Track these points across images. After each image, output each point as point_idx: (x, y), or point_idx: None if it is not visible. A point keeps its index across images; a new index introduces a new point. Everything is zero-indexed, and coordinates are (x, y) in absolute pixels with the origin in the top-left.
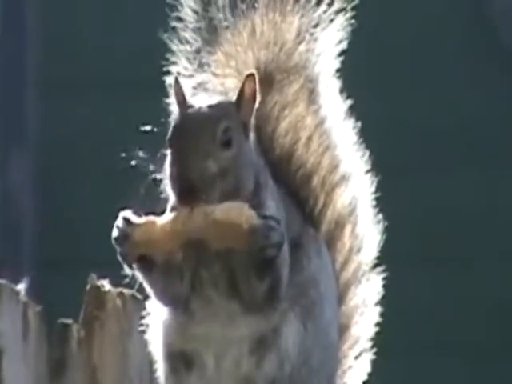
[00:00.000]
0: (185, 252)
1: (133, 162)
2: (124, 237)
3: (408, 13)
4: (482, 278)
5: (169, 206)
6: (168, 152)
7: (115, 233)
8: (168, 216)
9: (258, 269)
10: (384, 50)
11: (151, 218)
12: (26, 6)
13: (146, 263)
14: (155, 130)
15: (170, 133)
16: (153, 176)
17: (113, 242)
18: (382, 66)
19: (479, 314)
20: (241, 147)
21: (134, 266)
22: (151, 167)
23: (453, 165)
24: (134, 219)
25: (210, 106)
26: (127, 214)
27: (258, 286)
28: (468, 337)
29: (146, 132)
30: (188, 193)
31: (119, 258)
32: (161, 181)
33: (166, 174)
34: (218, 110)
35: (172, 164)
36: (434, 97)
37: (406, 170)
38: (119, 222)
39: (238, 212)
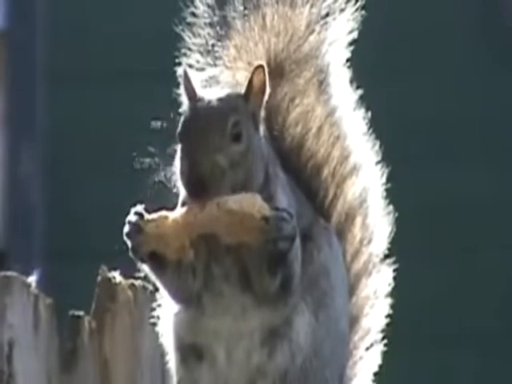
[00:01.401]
0: (196, 247)
1: (143, 156)
2: (136, 231)
3: (418, 2)
4: (492, 268)
5: (180, 201)
6: (178, 147)
7: (127, 228)
8: (180, 210)
9: (271, 263)
10: (394, 40)
11: (163, 212)
12: (34, 6)
13: (157, 262)
14: (165, 125)
15: (179, 127)
16: (163, 170)
17: (124, 236)
18: (393, 56)
19: (490, 303)
20: (251, 140)
21: (146, 262)
22: (161, 163)
23: (462, 155)
24: (146, 214)
25: (219, 99)
26: (139, 208)
27: (271, 281)
28: (479, 327)
29: (155, 129)
30: (199, 188)
31: (130, 253)
32: (171, 175)
33: (176, 169)
34: (227, 103)
35: (182, 159)
36: (445, 86)
37: (414, 160)
38: (131, 216)
39: (251, 202)
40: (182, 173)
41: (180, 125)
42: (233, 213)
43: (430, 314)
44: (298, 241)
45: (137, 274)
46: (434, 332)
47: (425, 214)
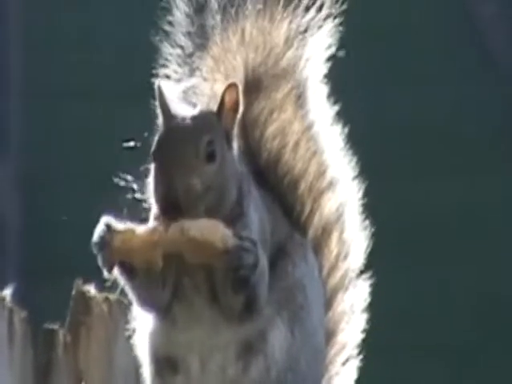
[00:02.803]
0: (166, 261)
1: (119, 172)
2: (103, 243)
3: (396, 18)
4: (468, 281)
5: (152, 214)
6: (152, 165)
7: (95, 238)
8: (147, 226)
9: (233, 286)
10: (372, 54)
11: (132, 226)
12: (9, 16)
13: (127, 269)
14: (138, 145)
15: (153, 146)
16: (138, 187)
17: (92, 247)
18: (371, 70)
19: (465, 316)
20: (224, 158)
21: (115, 270)
22: (137, 179)
23: (438, 168)
24: (115, 226)
25: (192, 118)
26: (108, 219)
27: (235, 301)
28: (454, 339)
29: (130, 148)
30: (172, 208)
31: (98, 263)
32: (145, 191)
33: (150, 186)
34: (200, 121)
35: (156, 178)
36: (421, 101)
37: (390, 174)
38: (100, 227)
39: (214, 231)
40: (155, 192)
41: (154, 143)
42: (195, 241)
43: (405, 328)
44: (264, 264)
45: (111, 288)
46: (409, 345)
47: (401, 229)
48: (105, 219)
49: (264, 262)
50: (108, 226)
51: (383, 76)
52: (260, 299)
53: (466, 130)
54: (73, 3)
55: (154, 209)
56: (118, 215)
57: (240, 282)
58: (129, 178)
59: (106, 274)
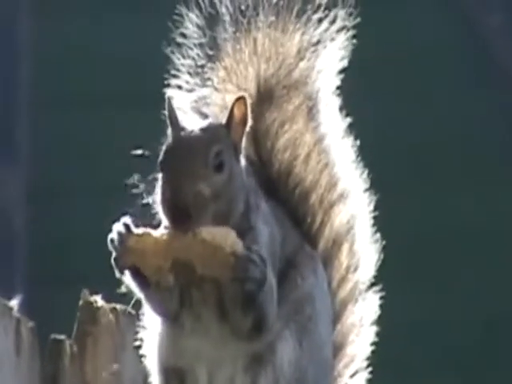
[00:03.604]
0: (176, 270)
1: (126, 182)
2: (120, 241)
3: (408, 31)
4: (477, 295)
5: (162, 226)
6: (159, 175)
7: (112, 235)
8: (163, 231)
9: (242, 303)
10: (384, 68)
11: (149, 230)
12: (16, 24)
13: (140, 277)
14: (147, 154)
15: (161, 156)
16: (146, 196)
17: (108, 244)
18: (382, 84)
19: (474, 330)
20: (232, 170)
21: (127, 276)
22: (144, 188)
23: (448, 182)
24: (133, 227)
25: (201, 129)
26: (128, 220)
27: (242, 319)
28: (462, 354)
29: (139, 155)
30: (181, 217)
31: (112, 262)
32: (153, 202)
33: (157, 198)
34: (209, 133)
35: (164, 188)
36: (431, 115)
37: (402, 187)
38: (119, 225)
39: (224, 236)
40: (163, 202)
41: (162, 153)
42: (205, 243)
43: (414, 341)
44: (272, 283)
45: (119, 299)
46: (418, 359)
47: (411, 242)
48: (124, 219)
49: (272, 281)
50: (126, 225)
51: (393, 91)
52: (268, 319)
53: (475, 145)
54: (84, 14)
55: (163, 222)
56: (134, 219)
57: (247, 299)
58: (139, 187)
59: (117, 273)
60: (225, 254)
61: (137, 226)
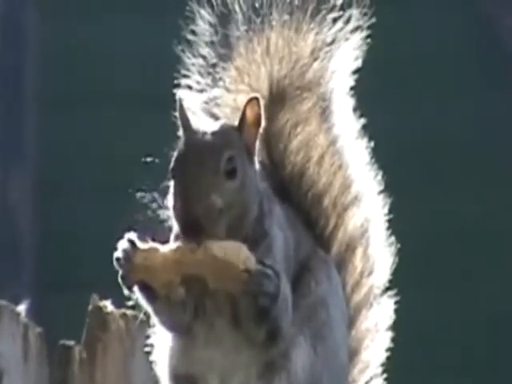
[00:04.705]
0: (187, 282)
1: (135, 184)
2: (126, 259)
3: (422, 31)
4: (494, 298)
5: (173, 234)
6: (171, 182)
7: (118, 253)
8: (171, 246)
9: (255, 316)
10: (399, 69)
11: (155, 244)
12: (24, 23)
13: (148, 290)
14: (157, 160)
15: (172, 163)
16: (155, 200)
17: (114, 262)
18: (397, 84)
19: (490, 333)
20: (245, 175)
21: (135, 290)
22: (154, 192)
23: (465, 184)
24: (139, 243)
25: (212, 133)
26: (132, 236)
27: (256, 331)
28: (480, 359)
29: (149, 162)
30: (193, 228)
31: (119, 279)
32: (164, 206)
33: (169, 204)
34: (221, 137)
35: (175, 196)
36: (447, 116)
37: (416, 190)
38: (123, 243)
39: (236, 252)
40: (174, 210)
41: (173, 160)
42: (217, 260)
43: (431, 346)
44: (286, 294)
45: (129, 304)
46: (435, 364)
47: (426, 245)
48: (128, 235)
49: (286, 291)
50: (131, 242)
51: (407, 92)
52: (283, 329)
53: (490, 147)
54: (93, 13)
55: (175, 229)
56: (139, 231)
57: (261, 313)
58: (147, 192)
59: (125, 291)
60: (237, 271)
61: (143, 240)
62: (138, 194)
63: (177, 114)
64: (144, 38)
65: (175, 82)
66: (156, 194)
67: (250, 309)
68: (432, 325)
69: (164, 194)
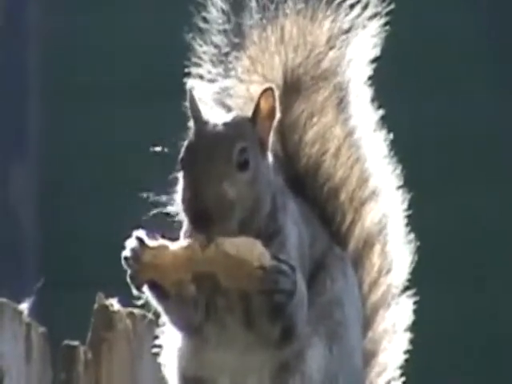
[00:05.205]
0: (198, 280)
1: (141, 182)
2: (134, 258)
3: (441, 21)
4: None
5: (183, 230)
6: (180, 174)
7: (126, 252)
8: (180, 243)
9: (269, 313)
10: (418, 56)
11: (164, 242)
12: (27, 16)
13: (157, 289)
14: (166, 149)
15: (182, 153)
16: (163, 197)
17: (122, 261)
18: (417, 74)
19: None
20: (258, 168)
21: (144, 289)
22: (160, 189)
23: (484, 179)
24: (147, 241)
25: (224, 124)
26: (141, 234)
27: (270, 329)
28: (503, 361)
29: (156, 152)
30: (202, 220)
31: (128, 279)
32: (172, 203)
33: (178, 198)
34: (233, 128)
35: (184, 187)
36: (465, 110)
37: (437, 185)
38: (132, 241)
39: (250, 248)
40: (184, 202)
41: (183, 151)
42: (230, 257)
43: (450, 348)
44: (302, 291)
45: (135, 302)
46: (455, 366)
47: (447, 243)
48: (137, 233)
49: (302, 288)
50: (140, 240)
51: (427, 82)
52: (298, 328)
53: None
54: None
55: (185, 225)
56: (148, 229)
57: (276, 310)
58: (153, 190)
59: (134, 290)
60: (251, 267)
61: (151, 237)
62: (143, 190)
63: (187, 104)
64: (153, 27)
65: (185, 71)
66: (163, 190)
67: (264, 306)
68: (451, 325)
69: (170, 190)
